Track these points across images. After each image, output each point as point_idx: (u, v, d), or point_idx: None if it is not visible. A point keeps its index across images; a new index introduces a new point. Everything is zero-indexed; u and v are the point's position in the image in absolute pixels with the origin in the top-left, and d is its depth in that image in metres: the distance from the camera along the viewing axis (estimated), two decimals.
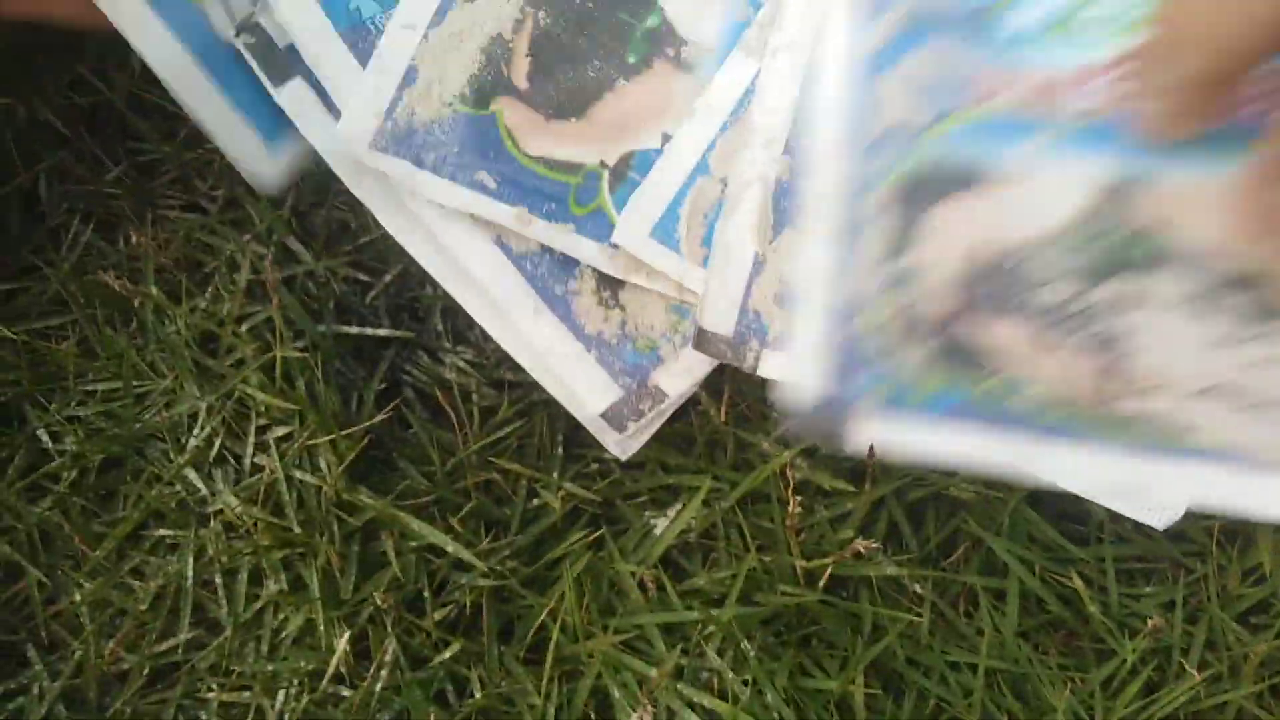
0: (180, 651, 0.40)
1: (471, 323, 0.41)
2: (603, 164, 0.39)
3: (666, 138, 0.39)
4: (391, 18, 0.39)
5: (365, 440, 0.41)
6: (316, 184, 0.47)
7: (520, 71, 0.39)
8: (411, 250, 0.40)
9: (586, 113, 0.39)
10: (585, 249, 0.39)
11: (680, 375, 0.39)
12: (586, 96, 0.39)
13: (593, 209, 0.39)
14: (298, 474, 0.40)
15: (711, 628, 0.38)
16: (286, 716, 0.38)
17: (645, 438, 0.40)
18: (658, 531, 0.41)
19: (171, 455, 0.42)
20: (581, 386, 0.39)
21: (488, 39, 0.39)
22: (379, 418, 0.41)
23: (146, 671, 0.40)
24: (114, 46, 0.38)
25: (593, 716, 0.38)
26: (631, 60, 0.39)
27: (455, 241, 0.39)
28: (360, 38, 0.39)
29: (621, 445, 0.40)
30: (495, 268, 0.39)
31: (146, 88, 0.49)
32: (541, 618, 0.39)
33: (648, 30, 0.39)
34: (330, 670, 0.38)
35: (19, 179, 0.48)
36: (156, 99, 0.49)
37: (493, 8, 0.39)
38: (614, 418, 0.39)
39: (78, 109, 0.49)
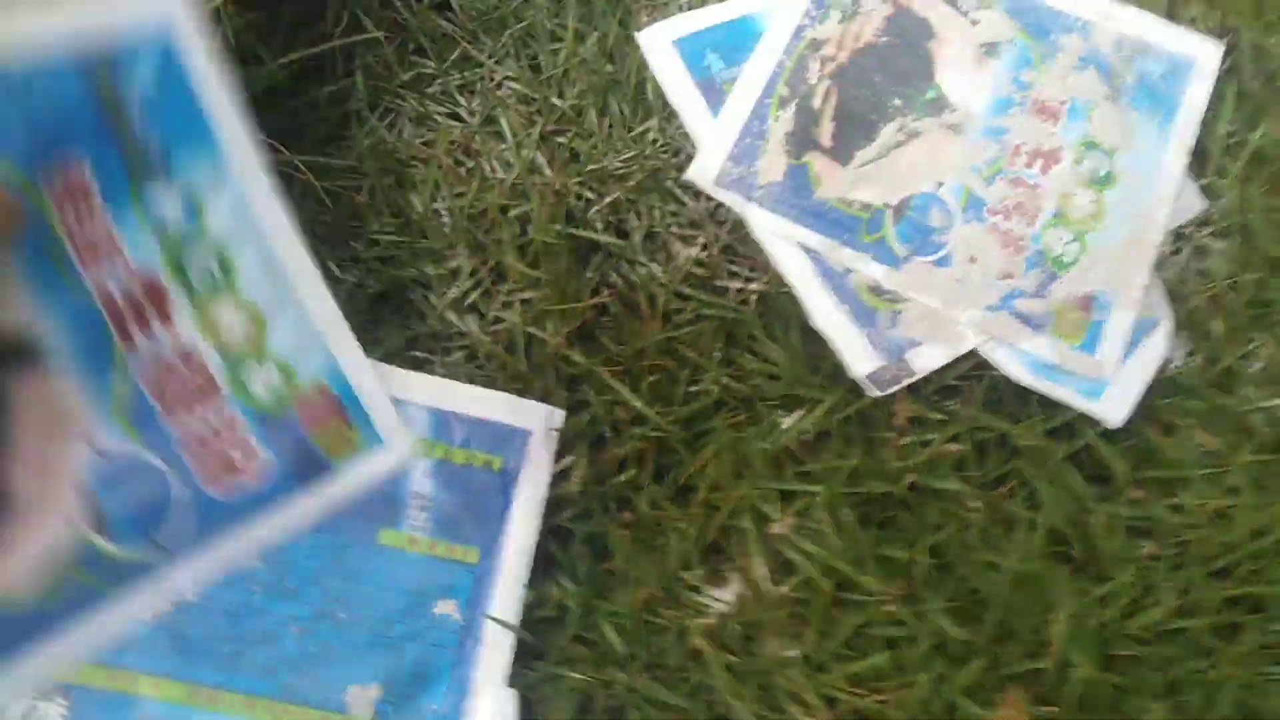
0: None
1: (665, 245, 0.54)
2: (887, 204, 0.53)
3: (939, 185, 0.54)
4: (735, 81, 0.54)
5: (581, 316, 0.55)
6: None
7: (826, 133, 0.54)
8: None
9: (876, 164, 0.54)
10: (874, 270, 0.53)
11: (927, 357, 0.53)
12: (876, 152, 0.54)
13: (878, 239, 0.53)
14: (531, 329, 0.54)
15: (819, 499, 0.51)
16: None
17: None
18: (784, 426, 0.54)
19: (433, 299, 0.56)
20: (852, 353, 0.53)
21: (800, 108, 0.54)
22: (596, 300, 0.55)
23: None
24: None
25: (721, 545, 0.52)
26: (913, 124, 0.54)
27: (775, 247, 0.55)
28: (710, 90, 0.55)
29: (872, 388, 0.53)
30: (801, 267, 0.54)
31: (440, 18, 0.62)
32: (690, 470, 0.53)
33: (926, 101, 0.54)
34: None
35: (339, 77, 0.62)
36: (446, 28, 0.62)
37: (804, 84, 0.55)
38: (876, 380, 0.52)
39: (386, 21, 0.63)
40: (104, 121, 0.40)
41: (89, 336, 0.41)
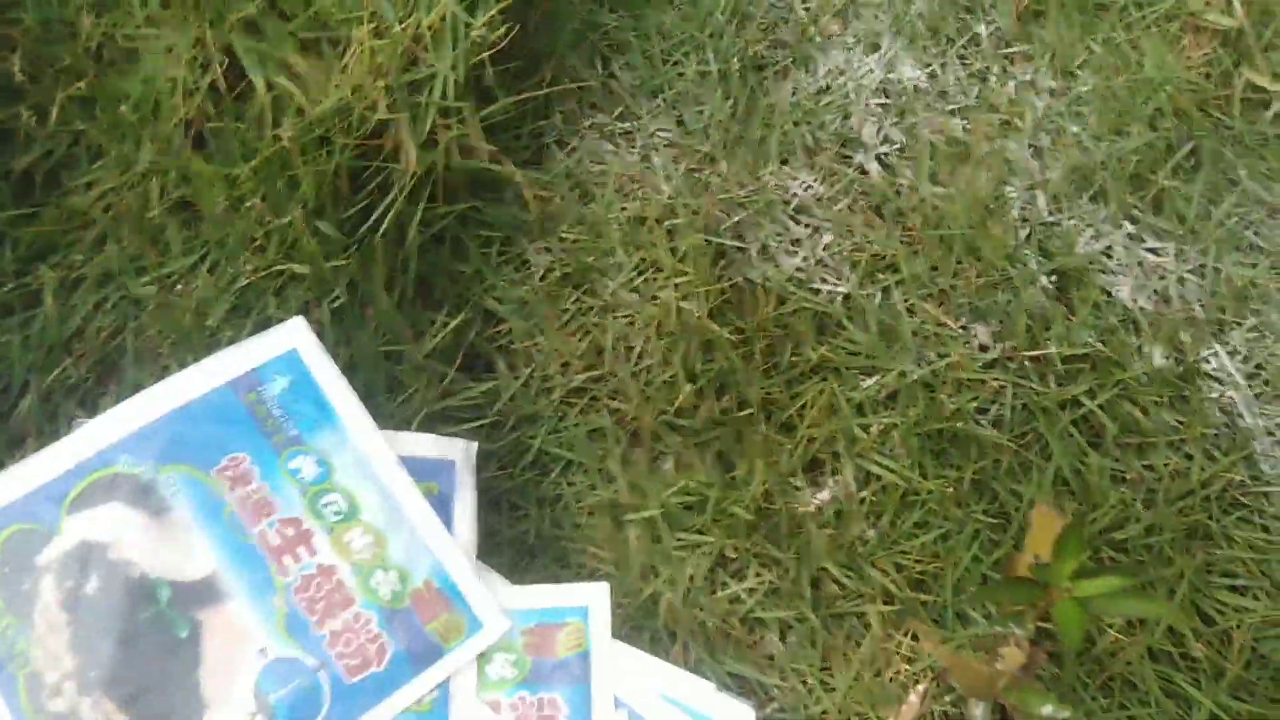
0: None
1: (774, 255, 0.75)
2: None
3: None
4: None
5: (715, 298, 0.75)
6: None
7: None
8: None
9: None
10: None
11: None
12: None
13: None
14: (684, 303, 0.74)
15: (895, 431, 0.70)
16: None
17: None
18: (865, 384, 0.74)
19: (610, 281, 0.76)
20: None
21: None
22: (729, 284, 0.75)
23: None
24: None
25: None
26: None
27: None
28: None
29: None
30: None
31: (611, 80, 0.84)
32: (790, 412, 0.72)
33: None
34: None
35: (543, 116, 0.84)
36: (614, 87, 0.84)
37: None
38: None
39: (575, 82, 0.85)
40: (255, 423, 0.61)
41: (255, 573, 0.58)
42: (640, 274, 0.77)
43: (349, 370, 0.65)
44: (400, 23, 0.71)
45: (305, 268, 0.70)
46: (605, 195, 0.80)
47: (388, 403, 0.70)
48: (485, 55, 0.73)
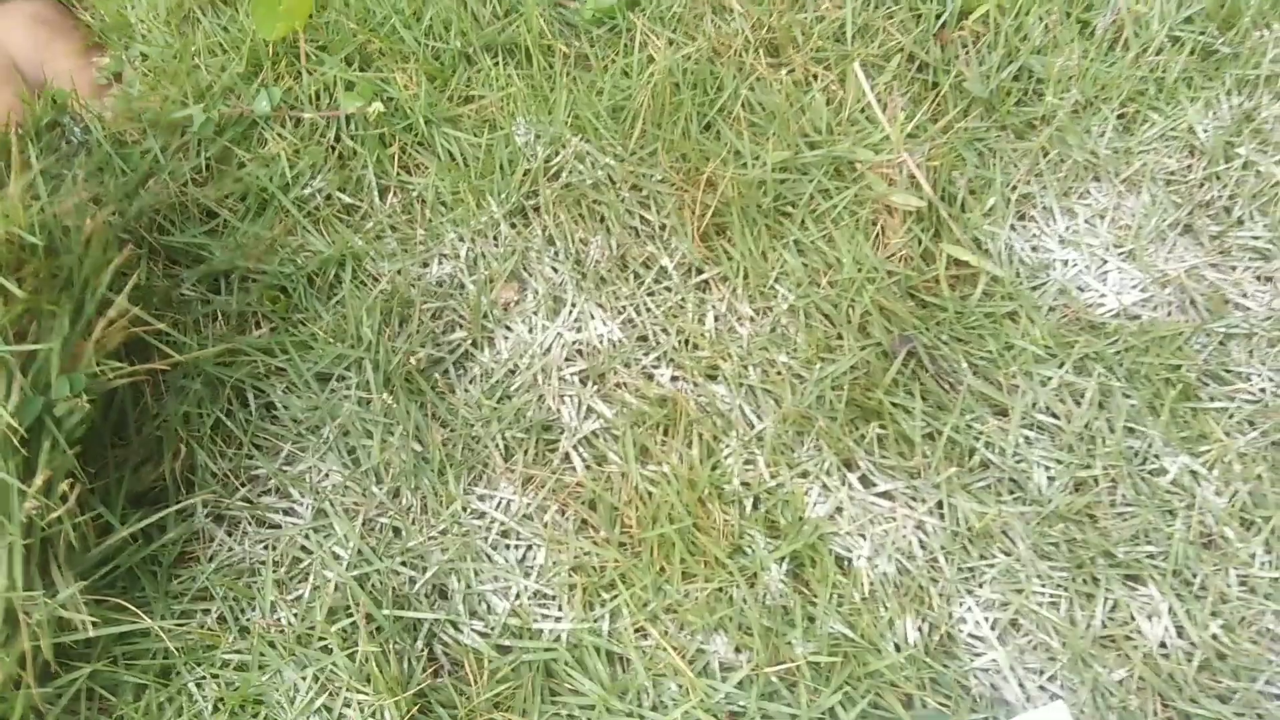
0: None
1: (485, 599, 0.65)
2: None
3: None
4: None
5: (416, 705, 0.64)
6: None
7: None
8: None
9: None
10: None
11: None
12: None
13: None
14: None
15: None
16: None
17: None
18: None
19: (286, 709, 0.65)
20: None
21: None
22: (422, 680, 0.64)
23: None
24: None
25: None
26: None
27: None
28: None
29: None
30: None
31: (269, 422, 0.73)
32: None
33: None
34: None
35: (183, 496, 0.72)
36: (274, 430, 0.73)
37: None
38: None
39: (220, 439, 0.73)
40: None
41: None
42: (322, 689, 0.66)
43: None
44: None
45: None
46: (263, 593, 0.68)
47: None
48: (63, 510, 0.61)
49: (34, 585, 0.59)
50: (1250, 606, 0.67)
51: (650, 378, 0.79)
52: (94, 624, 0.61)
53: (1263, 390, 0.75)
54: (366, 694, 0.64)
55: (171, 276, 0.83)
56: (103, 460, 0.72)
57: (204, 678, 0.67)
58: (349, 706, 0.64)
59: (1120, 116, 0.88)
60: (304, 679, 0.66)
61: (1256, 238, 0.82)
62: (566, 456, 0.76)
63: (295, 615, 0.68)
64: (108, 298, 0.68)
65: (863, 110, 0.87)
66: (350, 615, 0.67)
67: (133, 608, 0.65)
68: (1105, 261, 0.82)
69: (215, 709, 0.66)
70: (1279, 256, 0.82)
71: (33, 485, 0.58)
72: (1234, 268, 0.81)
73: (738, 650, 0.67)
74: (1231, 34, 0.90)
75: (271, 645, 0.67)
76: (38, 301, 0.63)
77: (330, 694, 0.65)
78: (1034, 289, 0.81)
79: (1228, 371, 0.76)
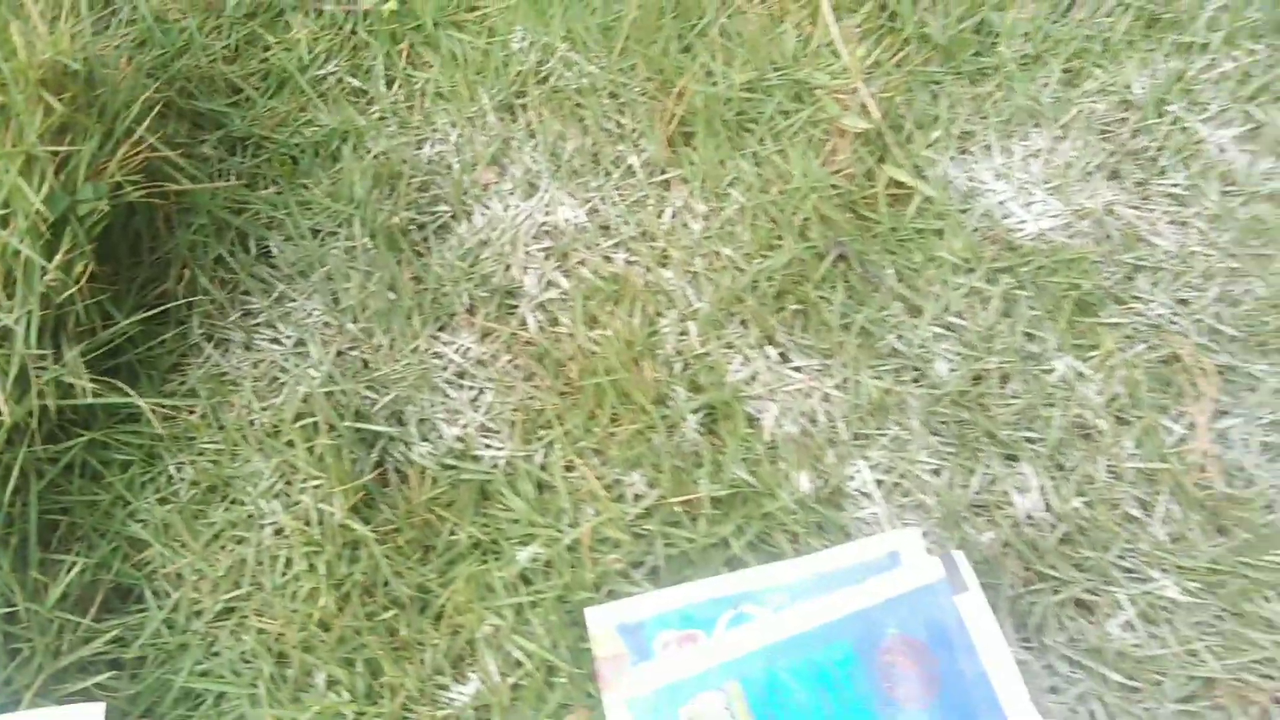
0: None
1: (435, 426, 0.74)
2: None
3: None
4: None
5: (360, 493, 0.73)
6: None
7: None
8: None
9: None
10: None
11: None
12: None
13: None
14: (322, 505, 0.72)
15: (536, 610, 0.69)
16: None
17: None
18: (520, 556, 0.72)
19: (251, 490, 0.74)
20: None
21: None
22: (369, 477, 0.74)
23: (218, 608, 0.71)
24: None
25: None
26: None
27: None
28: None
29: None
30: None
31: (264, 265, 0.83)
32: (445, 595, 0.70)
33: None
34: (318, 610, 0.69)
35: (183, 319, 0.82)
36: (267, 274, 0.83)
37: None
38: None
39: (220, 275, 0.83)
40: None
41: None
42: (282, 478, 0.75)
43: None
44: None
45: None
46: (242, 397, 0.78)
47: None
48: (76, 289, 0.71)
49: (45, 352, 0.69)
50: (1114, 490, 0.74)
51: (608, 260, 0.88)
52: (95, 393, 0.71)
53: (1160, 315, 0.83)
54: (320, 479, 0.73)
55: (194, 137, 0.94)
56: (116, 274, 0.82)
57: (183, 463, 0.77)
58: (304, 492, 0.74)
59: (1066, 70, 0.96)
60: (268, 468, 0.75)
61: (1175, 185, 0.90)
62: (524, 320, 0.85)
63: (267, 415, 0.77)
64: (134, 128, 0.78)
65: (829, 45, 0.96)
66: (314, 419, 0.76)
67: (128, 389, 0.75)
68: (1032, 193, 0.90)
69: (191, 487, 0.75)
70: (1194, 203, 0.89)
71: (53, 262, 0.68)
72: (1152, 210, 0.89)
73: (651, 485, 0.76)
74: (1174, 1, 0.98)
75: (244, 438, 0.77)
76: (74, 117, 0.73)
77: (288, 481, 0.75)
78: (963, 211, 0.88)
79: (1131, 296, 0.84)
